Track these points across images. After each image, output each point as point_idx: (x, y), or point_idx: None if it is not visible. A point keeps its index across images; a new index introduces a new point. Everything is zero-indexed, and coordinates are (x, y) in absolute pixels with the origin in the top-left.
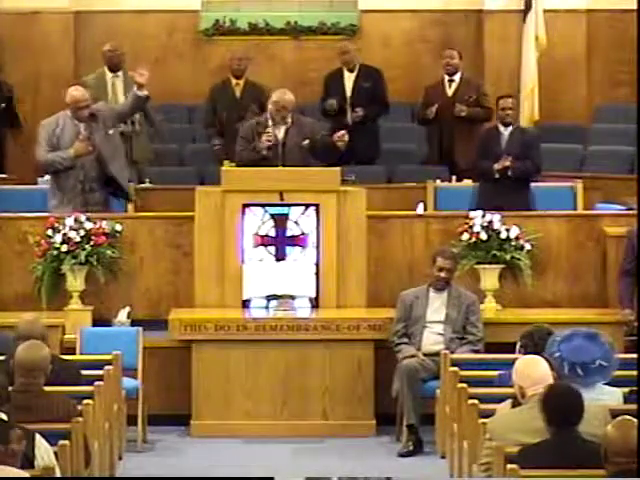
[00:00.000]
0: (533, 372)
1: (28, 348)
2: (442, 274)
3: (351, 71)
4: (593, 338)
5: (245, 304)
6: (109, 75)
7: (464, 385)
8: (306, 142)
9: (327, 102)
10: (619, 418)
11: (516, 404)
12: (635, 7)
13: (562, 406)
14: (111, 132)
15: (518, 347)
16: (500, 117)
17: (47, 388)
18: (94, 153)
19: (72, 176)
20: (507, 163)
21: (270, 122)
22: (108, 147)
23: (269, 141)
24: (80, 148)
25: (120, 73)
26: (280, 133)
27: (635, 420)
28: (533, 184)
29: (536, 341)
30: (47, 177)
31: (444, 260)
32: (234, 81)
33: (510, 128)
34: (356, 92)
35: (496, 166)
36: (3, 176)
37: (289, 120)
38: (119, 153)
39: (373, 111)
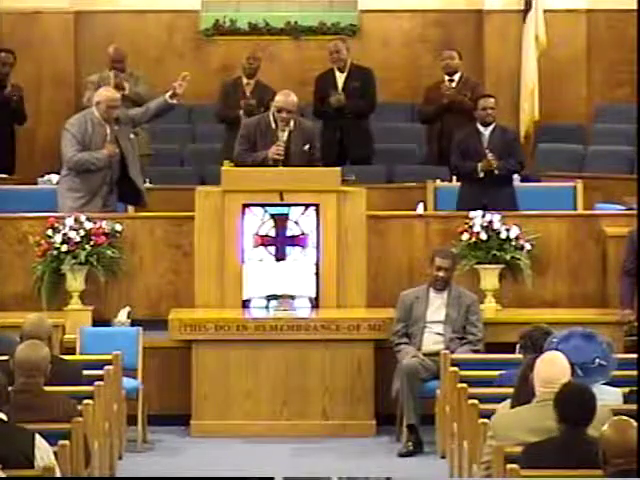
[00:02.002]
0: (543, 372)
1: (28, 348)
2: (440, 273)
3: (342, 71)
4: (590, 338)
5: (245, 304)
6: (112, 78)
7: (464, 385)
8: (307, 147)
9: (332, 97)
10: (615, 418)
11: (515, 404)
12: (635, 7)
13: (576, 405)
14: (132, 137)
15: (518, 348)
16: (481, 117)
17: (47, 388)
18: (118, 155)
19: (100, 177)
20: (493, 163)
21: (273, 124)
22: (131, 151)
23: (279, 154)
24: (111, 149)
25: (122, 76)
26: (283, 137)
27: (632, 420)
28: (534, 184)
29: (535, 341)
30: (48, 177)
31: (442, 259)
32: (245, 81)
33: (490, 128)
34: (347, 92)
35: (481, 165)
36: (3, 176)
37: (291, 123)
38: (136, 158)
39: (358, 105)
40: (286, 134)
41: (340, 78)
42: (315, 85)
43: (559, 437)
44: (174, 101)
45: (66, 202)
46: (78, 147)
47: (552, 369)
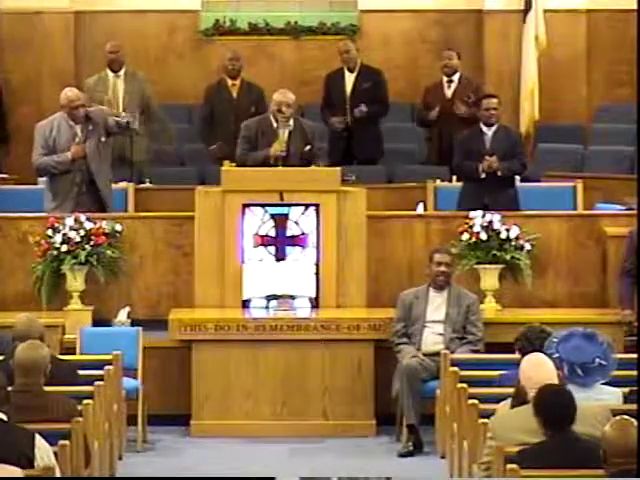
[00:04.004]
0: (534, 374)
1: (28, 348)
2: (442, 268)
3: (351, 71)
4: (591, 338)
5: (245, 304)
6: (110, 75)
7: (464, 385)
8: (307, 147)
9: (332, 120)
10: (617, 418)
11: (515, 404)
12: (635, 7)
13: (554, 408)
14: (103, 139)
15: (516, 352)
16: (484, 117)
17: (47, 388)
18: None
19: (68, 178)
20: (494, 165)
21: (274, 123)
22: (97, 155)
23: (281, 150)
24: (77, 151)
25: (121, 73)
26: (284, 135)
27: (633, 420)
28: (534, 184)
29: (532, 341)
30: (45, 178)
31: (441, 255)
32: (230, 82)
33: (493, 128)
34: (356, 92)
35: (482, 166)
36: (3, 176)
37: (291, 122)
38: (106, 163)
39: (374, 110)
40: (285, 134)
41: (350, 78)
42: (324, 84)
43: (546, 441)
44: (124, 120)
45: (46, 203)
46: (42, 151)
47: (539, 371)
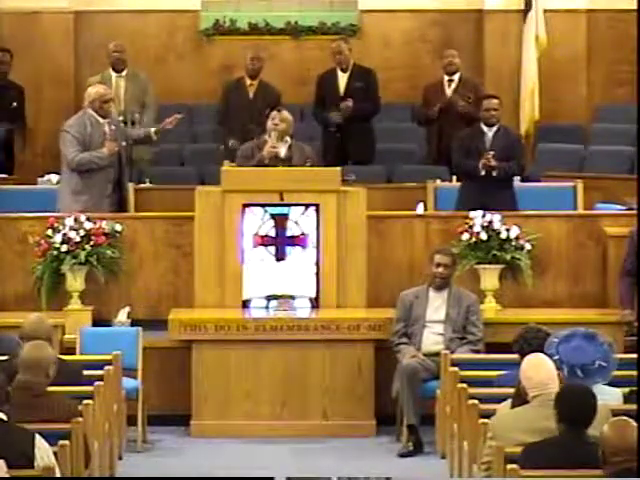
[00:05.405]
0: (535, 375)
1: (34, 347)
2: (440, 269)
3: (344, 71)
4: (592, 338)
5: (245, 304)
6: (113, 75)
7: (464, 385)
8: (308, 163)
9: (330, 114)
10: (615, 418)
11: (515, 404)
12: (635, 7)
13: (576, 405)
14: (124, 144)
15: (515, 353)
16: (485, 118)
17: (48, 388)
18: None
19: (103, 176)
20: (492, 163)
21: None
22: (125, 157)
23: (274, 147)
24: (111, 147)
25: (124, 73)
26: (282, 151)
27: (631, 420)
28: (534, 184)
29: (530, 342)
30: (48, 177)
31: (441, 256)
32: (248, 81)
33: (494, 128)
34: (349, 92)
35: (480, 163)
36: (3, 176)
37: (288, 139)
38: (129, 166)
39: (363, 108)
40: (284, 148)
41: (342, 78)
42: (317, 85)
43: (559, 437)
44: (156, 137)
45: (70, 205)
46: (79, 148)
47: (540, 371)
